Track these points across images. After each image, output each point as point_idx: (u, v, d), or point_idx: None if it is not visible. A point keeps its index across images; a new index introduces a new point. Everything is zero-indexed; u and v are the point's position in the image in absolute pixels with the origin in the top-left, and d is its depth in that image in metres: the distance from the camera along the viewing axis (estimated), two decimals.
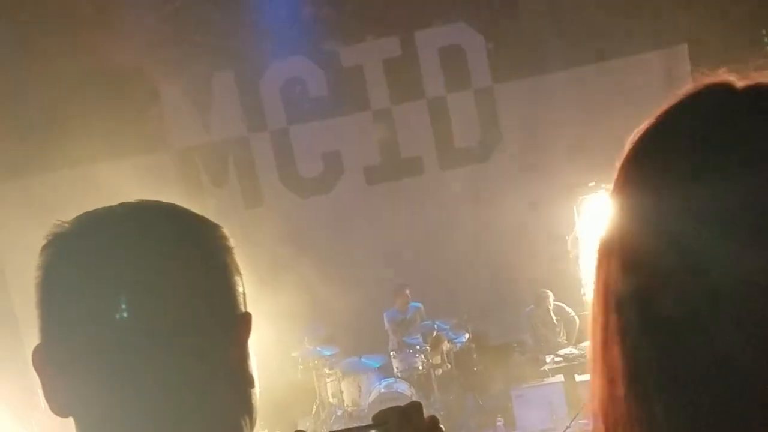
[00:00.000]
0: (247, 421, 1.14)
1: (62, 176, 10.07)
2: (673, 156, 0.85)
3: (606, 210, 0.97)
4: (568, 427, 8.24)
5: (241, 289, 1.14)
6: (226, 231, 1.15)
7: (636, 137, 0.90)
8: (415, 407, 1.32)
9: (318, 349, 10.00)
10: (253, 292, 1.16)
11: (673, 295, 0.79)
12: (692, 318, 0.78)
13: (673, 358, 0.80)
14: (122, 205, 1.11)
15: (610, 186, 0.93)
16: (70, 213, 1.08)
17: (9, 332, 9.62)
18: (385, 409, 1.32)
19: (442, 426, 1.34)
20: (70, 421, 1.07)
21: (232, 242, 1.14)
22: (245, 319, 1.13)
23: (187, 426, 1.06)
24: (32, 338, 1.06)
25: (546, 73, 10.92)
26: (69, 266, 1.05)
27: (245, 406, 1.14)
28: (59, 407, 1.06)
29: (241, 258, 1.13)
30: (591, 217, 10.78)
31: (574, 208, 10.76)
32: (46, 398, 1.05)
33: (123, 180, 9.26)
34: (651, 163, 0.88)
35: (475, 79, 11.22)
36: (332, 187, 11.27)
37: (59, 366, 1.05)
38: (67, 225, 1.07)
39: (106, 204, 1.12)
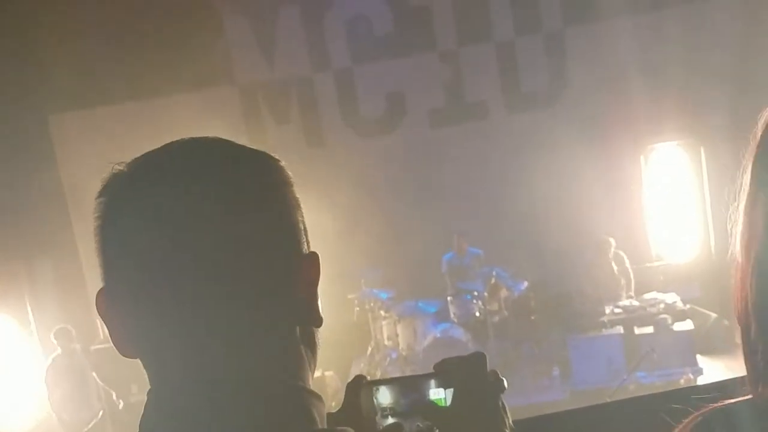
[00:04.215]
0: (309, 354, 1.11)
1: (126, 108, 10.10)
2: None
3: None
4: (624, 380, 8.17)
5: (302, 226, 1.09)
6: (284, 164, 1.10)
7: None
8: (478, 358, 1.30)
9: (375, 291, 10.00)
10: (311, 232, 1.12)
11: None
12: None
13: None
14: (176, 143, 1.08)
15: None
16: (133, 145, 1.06)
17: (72, 265, 9.78)
18: (448, 358, 1.31)
19: (504, 378, 1.30)
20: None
21: (291, 176, 1.09)
22: (312, 260, 1.09)
23: (246, 371, 1.03)
24: (94, 268, 1.06)
25: (619, 17, 10.55)
26: (125, 211, 1.03)
27: (307, 340, 1.11)
28: (124, 349, 1.06)
29: (301, 197, 1.10)
30: (659, 166, 10.60)
31: (642, 157, 10.58)
32: (112, 341, 1.06)
33: (186, 113, 9.30)
34: None
35: (545, 21, 10.91)
36: (395, 128, 11.13)
37: (120, 310, 1.04)
38: (122, 168, 1.05)
39: (169, 138, 1.09)
